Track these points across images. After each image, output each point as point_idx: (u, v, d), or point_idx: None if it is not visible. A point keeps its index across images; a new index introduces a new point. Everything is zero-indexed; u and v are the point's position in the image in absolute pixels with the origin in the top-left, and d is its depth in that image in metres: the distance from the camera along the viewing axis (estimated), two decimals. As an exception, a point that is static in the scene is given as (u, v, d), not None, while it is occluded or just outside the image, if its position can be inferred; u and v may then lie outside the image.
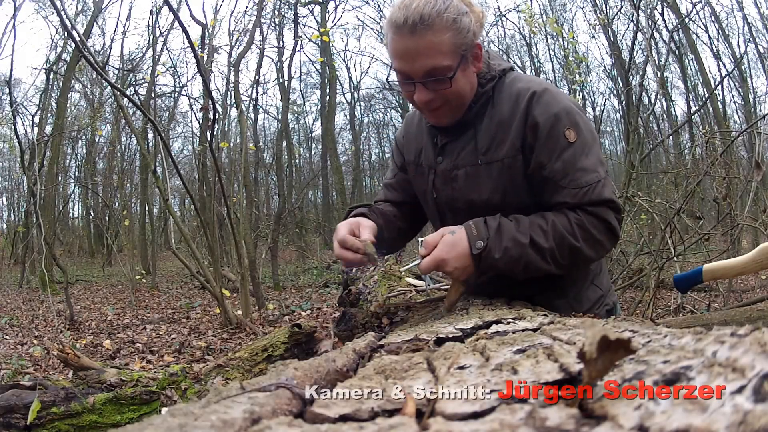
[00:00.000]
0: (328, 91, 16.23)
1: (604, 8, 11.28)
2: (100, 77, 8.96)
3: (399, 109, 18.85)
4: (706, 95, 11.54)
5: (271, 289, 9.13)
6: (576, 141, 1.09)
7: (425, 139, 1.28)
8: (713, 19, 12.53)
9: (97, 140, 14.79)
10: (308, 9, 14.93)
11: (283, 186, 14.80)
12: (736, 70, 11.76)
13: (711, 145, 4.46)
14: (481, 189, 1.17)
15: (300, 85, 19.15)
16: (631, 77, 7.87)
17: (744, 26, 12.51)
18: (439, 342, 0.68)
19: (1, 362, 4.57)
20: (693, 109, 12.13)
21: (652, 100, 9.87)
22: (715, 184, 3.91)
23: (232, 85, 8.93)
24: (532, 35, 12.91)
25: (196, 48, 6.06)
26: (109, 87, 6.92)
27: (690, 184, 4.12)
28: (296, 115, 19.19)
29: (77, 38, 4.00)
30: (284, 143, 15.75)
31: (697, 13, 10.99)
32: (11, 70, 10.21)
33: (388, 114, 21.57)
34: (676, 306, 4.37)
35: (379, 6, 15.85)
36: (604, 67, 14.08)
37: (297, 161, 19.33)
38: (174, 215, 6.25)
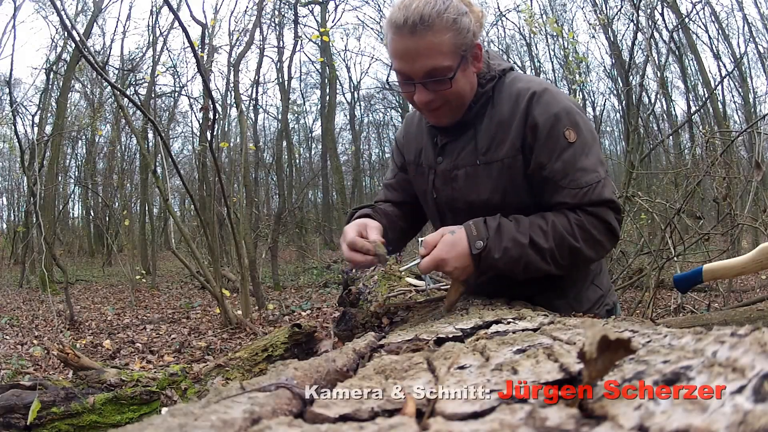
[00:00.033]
0: (328, 91, 16.24)
1: (604, 8, 11.28)
2: (100, 77, 8.96)
3: (399, 109, 18.87)
4: (706, 95, 11.54)
5: (271, 289, 9.13)
6: (576, 141, 1.08)
7: (425, 139, 1.28)
8: (713, 19, 12.55)
9: (97, 140, 14.80)
10: (308, 9, 14.95)
11: (283, 186, 14.81)
12: (736, 70, 11.76)
13: (711, 145, 4.46)
14: (480, 189, 1.17)
15: (300, 85, 19.20)
16: (631, 77, 7.87)
17: (744, 26, 12.53)
18: (439, 342, 0.68)
19: (1, 362, 4.57)
20: (693, 109, 12.14)
21: (652, 100, 9.87)
22: (715, 184, 3.91)
23: (232, 85, 8.94)
24: (532, 35, 12.93)
25: (196, 48, 6.06)
26: (109, 87, 6.92)
27: (690, 184, 4.12)
28: (296, 115, 19.22)
29: (77, 38, 4.00)
30: (284, 143, 15.77)
31: (697, 13, 11.01)
32: (11, 70, 10.24)
33: (388, 114, 21.60)
34: (676, 306, 4.38)
35: (379, 6, 15.87)
36: (604, 67, 14.10)
37: (297, 161, 19.36)
38: (174, 215, 6.25)
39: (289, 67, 14.26)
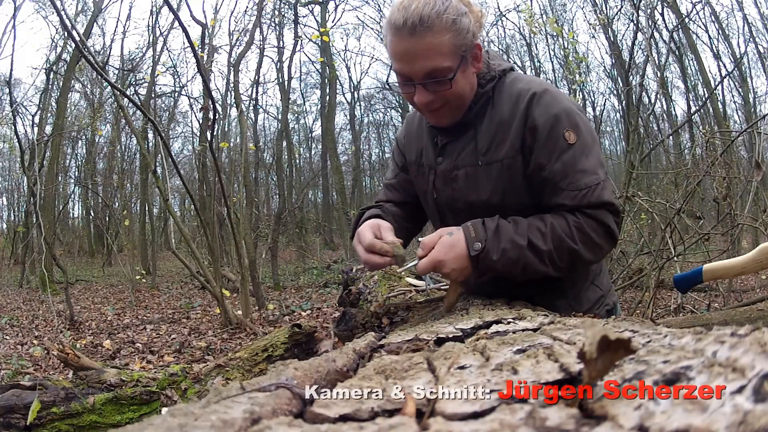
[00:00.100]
0: (328, 91, 16.23)
1: (604, 8, 11.28)
2: (100, 77, 8.96)
3: (399, 109, 18.86)
4: (706, 95, 11.54)
5: (271, 289, 9.13)
6: (576, 142, 1.08)
7: (426, 140, 1.28)
8: (713, 19, 12.54)
9: (97, 140, 14.80)
10: (308, 9, 14.95)
11: (283, 186, 14.81)
12: (736, 70, 11.76)
13: (711, 145, 4.46)
14: (480, 189, 1.17)
15: (300, 85, 19.22)
16: (631, 77, 7.88)
17: (744, 26, 12.53)
18: (439, 342, 0.68)
19: (1, 362, 4.57)
20: (693, 109, 12.14)
21: (652, 100, 9.88)
22: (715, 184, 3.90)
23: (232, 85, 8.95)
24: (532, 35, 12.92)
25: (196, 48, 6.05)
26: (109, 87, 6.92)
27: (690, 184, 4.12)
28: (296, 115, 19.23)
29: (77, 38, 3.99)
30: (284, 143, 15.76)
31: (697, 13, 11.01)
32: (11, 70, 10.24)
33: (388, 114, 21.60)
34: (676, 306, 4.37)
35: (379, 6, 15.85)
36: (604, 67, 14.10)
37: (297, 161, 19.34)
38: (174, 215, 6.25)
39: (289, 67, 14.28)
